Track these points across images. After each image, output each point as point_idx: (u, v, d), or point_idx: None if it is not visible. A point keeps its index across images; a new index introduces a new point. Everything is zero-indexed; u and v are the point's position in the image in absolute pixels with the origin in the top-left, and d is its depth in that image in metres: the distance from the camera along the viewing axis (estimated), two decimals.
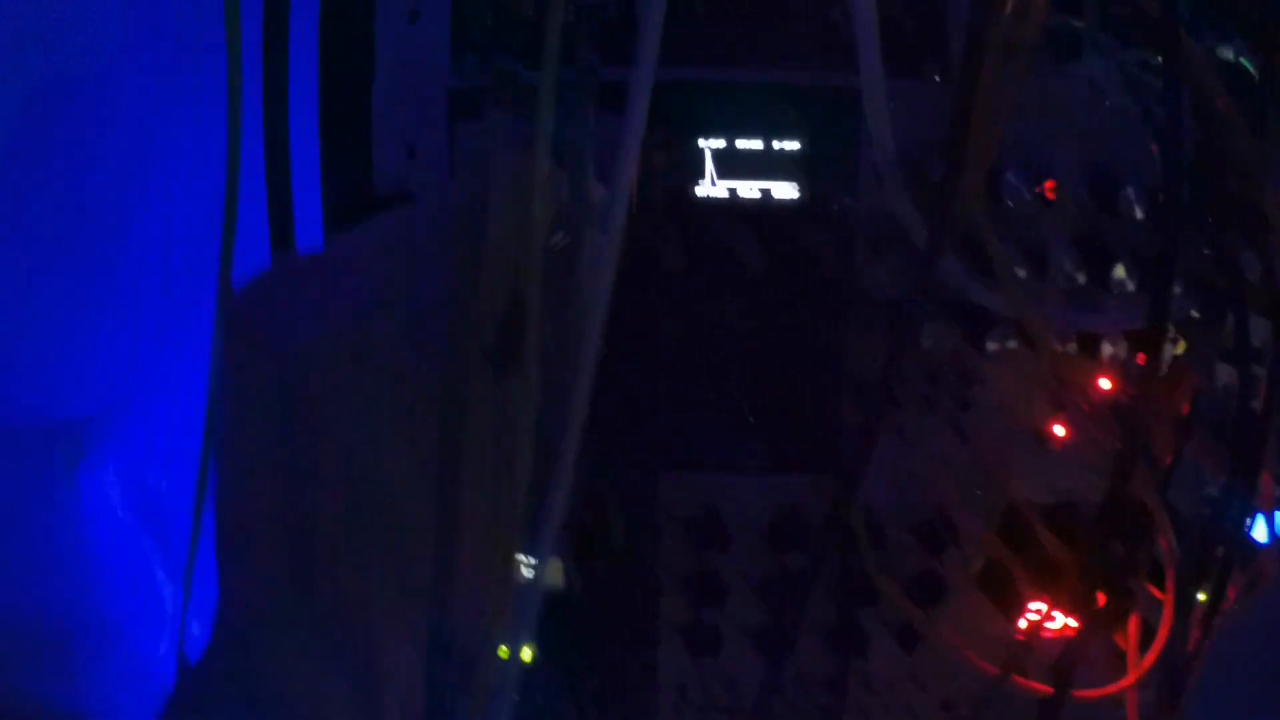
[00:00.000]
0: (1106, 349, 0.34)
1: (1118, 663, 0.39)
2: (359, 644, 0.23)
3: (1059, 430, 0.36)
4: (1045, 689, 0.37)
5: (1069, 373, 0.33)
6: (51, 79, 0.42)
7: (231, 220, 0.32)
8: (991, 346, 0.32)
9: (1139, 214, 0.33)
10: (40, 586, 0.47)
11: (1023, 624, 0.40)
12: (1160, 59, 0.30)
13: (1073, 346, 0.34)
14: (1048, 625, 0.40)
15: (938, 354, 0.33)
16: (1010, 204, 0.30)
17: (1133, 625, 0.39)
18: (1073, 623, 0.39)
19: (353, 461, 0.22)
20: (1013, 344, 0.33)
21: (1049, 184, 0.32)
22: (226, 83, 0.31)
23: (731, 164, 0.32)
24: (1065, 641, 0.37)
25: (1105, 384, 0.37)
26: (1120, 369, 0.37)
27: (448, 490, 0.22)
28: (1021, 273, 0.31)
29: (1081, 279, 0.32)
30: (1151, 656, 0.35)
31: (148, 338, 0.51)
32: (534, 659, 0.36)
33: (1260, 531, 0.43)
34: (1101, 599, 0.38)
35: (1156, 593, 0.39)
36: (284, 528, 0.23)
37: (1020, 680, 0.35)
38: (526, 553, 0.26)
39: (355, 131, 0.35)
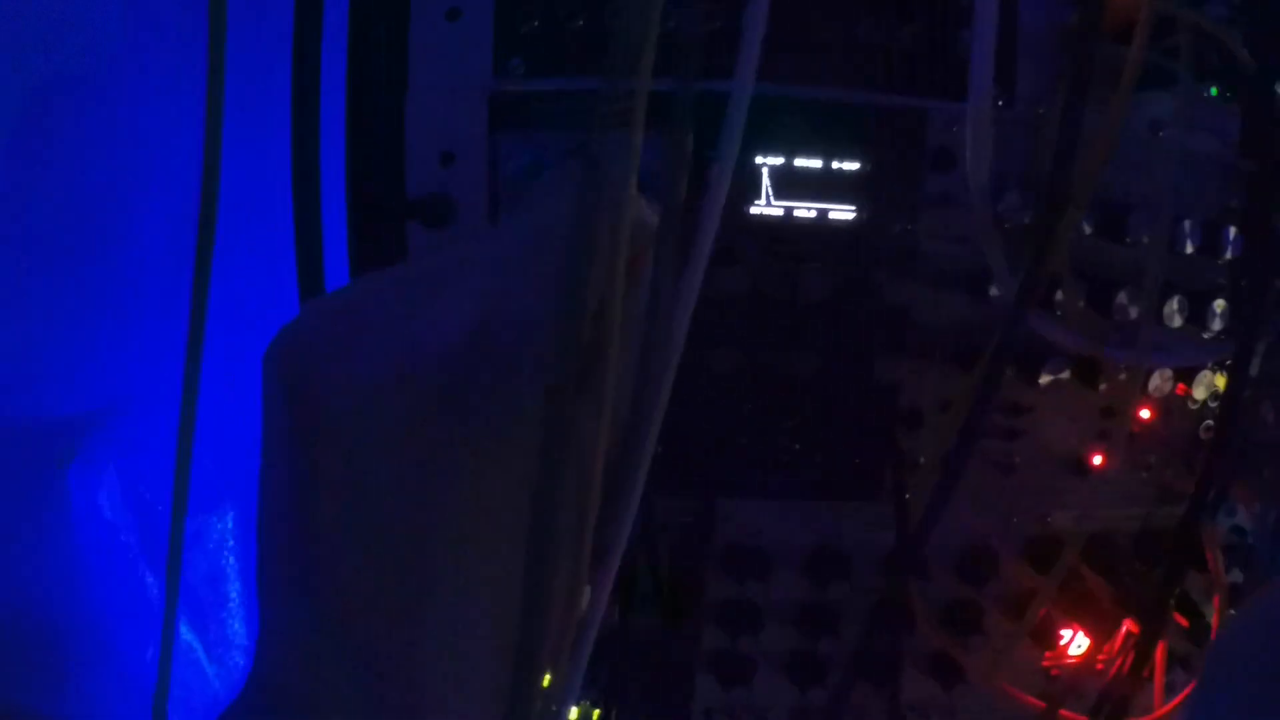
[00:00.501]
0: (1153, 380, 0.34)
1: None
2: (405, 703, 0.21)
3: (1098, 460, 0.36)
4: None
5: (1117, 404, 0.33)
6: (52, 79, 0.41)
7: (210, 221, 0.30)
8: (1044, 380, 0.32)
9: (1190, 248, 0.33)
10: (29, 586, 0.45)
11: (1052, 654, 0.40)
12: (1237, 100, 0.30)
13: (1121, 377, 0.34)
14: (1071, 654, 0.40)
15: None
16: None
17: (1160, 653, 0.39)
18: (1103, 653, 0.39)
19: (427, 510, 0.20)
20: (1065, 375, 0.32)
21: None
22: (206, 92, 0.29)
23: (789, 183, 0.31)
24: (1102, 672, 0.37)
25: (1145, 414, 0.37)
26: (1160, 400, 0.37)
27: (531, 537, 0.20)
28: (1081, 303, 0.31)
29: (1135, 313, 0.31)
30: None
31: (145, 339, 0.48)
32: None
33: None
34: (1134, 626, 0.38)
35: (1183, 620, 0.39)
36: (339, 572, 0.21)
37: (1066, 714, 0.35)
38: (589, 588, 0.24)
39: (387, 134, 0.33)
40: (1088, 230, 0.29)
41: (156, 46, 0.41)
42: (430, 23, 0.33)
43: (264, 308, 0.43)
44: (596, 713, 0.33)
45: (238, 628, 0.54)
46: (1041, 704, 0.36)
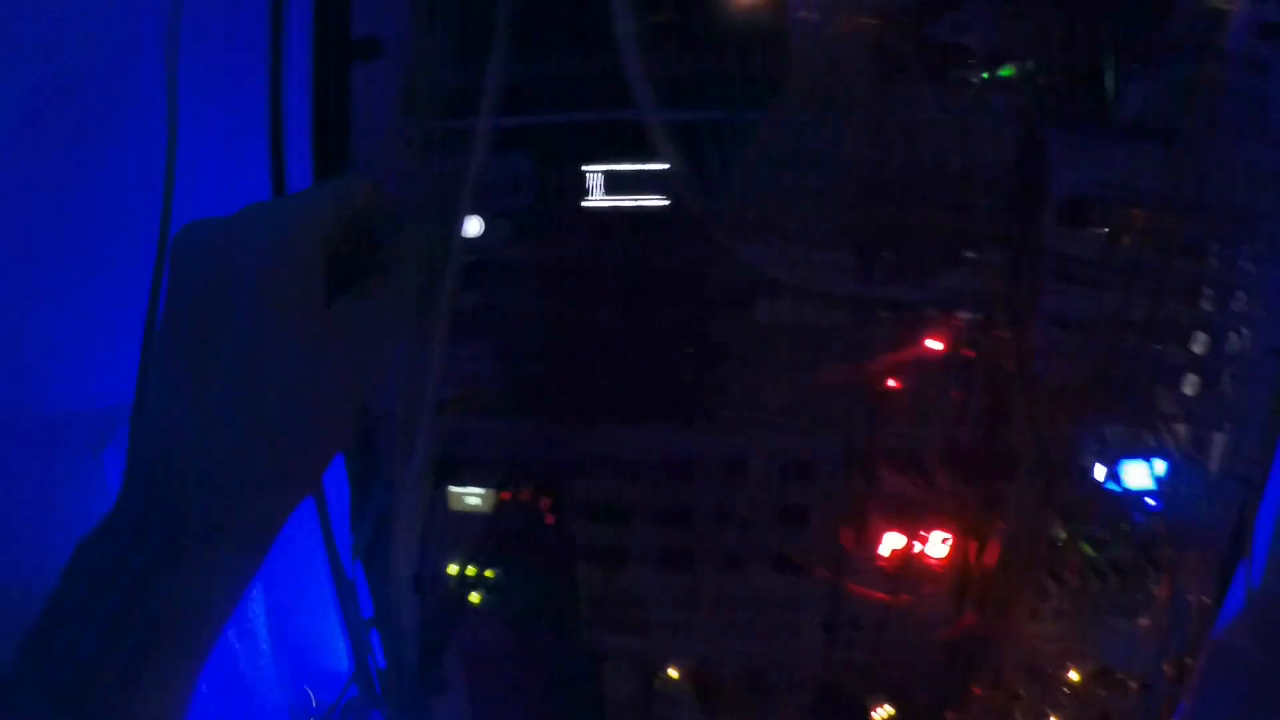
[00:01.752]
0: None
1: None
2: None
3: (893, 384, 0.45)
4: (883, 595, 0.45)
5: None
6: (57, 81, 0.47)
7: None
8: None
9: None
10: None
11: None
12: None
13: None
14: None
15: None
16: None
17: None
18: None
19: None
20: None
21: None
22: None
23: (614, 183, 0.41)
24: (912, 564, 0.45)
25: (935, 344, 0.46)
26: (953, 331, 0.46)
27: None
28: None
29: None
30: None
31: None
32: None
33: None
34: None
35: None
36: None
37: (859, 589, 0.44)
38: None
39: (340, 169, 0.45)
40: None
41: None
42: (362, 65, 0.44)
43: None
44: (490, 572, 0.44)
45: (256, 610, 0.62)
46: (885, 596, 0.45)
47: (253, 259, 0.29)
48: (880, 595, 0.44)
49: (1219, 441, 0.51)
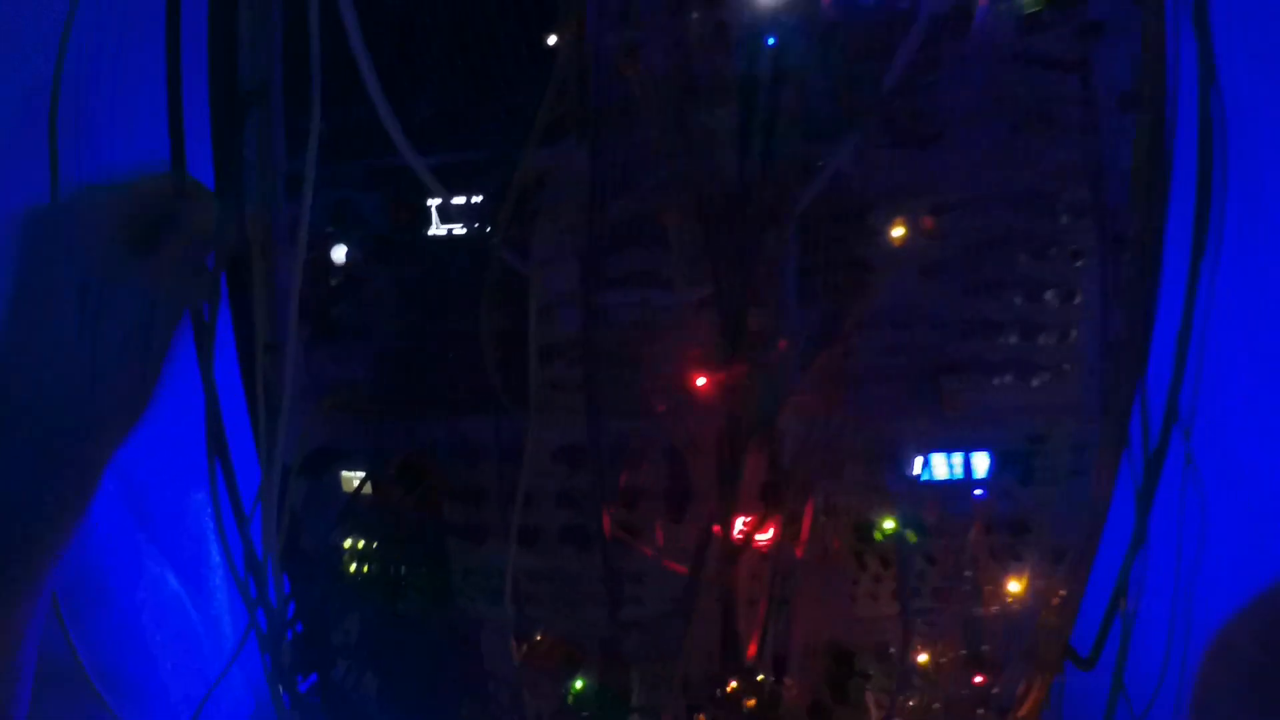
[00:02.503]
0: None
1: None
2: None
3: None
4: (682, 569, 0.50)
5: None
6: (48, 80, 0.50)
7: None
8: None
9: None
10: None
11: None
12: None
13: None
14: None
15: None
16: None
17: None
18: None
19: None
20: None
21: None
22: None
23: (449, 215, 0.50)
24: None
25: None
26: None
27: None
28: None
29: None
30: None
31: None
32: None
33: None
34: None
35: None
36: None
37: (670, 564, 0.49)
38: None
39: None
40: None
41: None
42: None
43: None
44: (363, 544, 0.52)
45: (217, 581, 0.72)
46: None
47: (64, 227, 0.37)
48: (681, 569, 0.49)
49: (1054, 433, 0.54)
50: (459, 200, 0.49)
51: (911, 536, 0.53)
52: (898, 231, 0.49)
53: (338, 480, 0.54)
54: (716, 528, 0.51)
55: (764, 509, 0.50)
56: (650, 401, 0.49)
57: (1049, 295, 0.52)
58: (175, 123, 0.49)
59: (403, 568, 0.54)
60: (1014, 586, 0.56)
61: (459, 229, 0.49)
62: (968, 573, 0.55)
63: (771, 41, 0.46)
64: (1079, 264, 0.52)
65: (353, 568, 0.54)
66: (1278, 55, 0.73)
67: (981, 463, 0.53)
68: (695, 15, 0.46)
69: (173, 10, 0.45)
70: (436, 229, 0.50)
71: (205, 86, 0.50)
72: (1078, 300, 0.52)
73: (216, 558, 0.71)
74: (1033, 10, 0.50)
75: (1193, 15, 0.51)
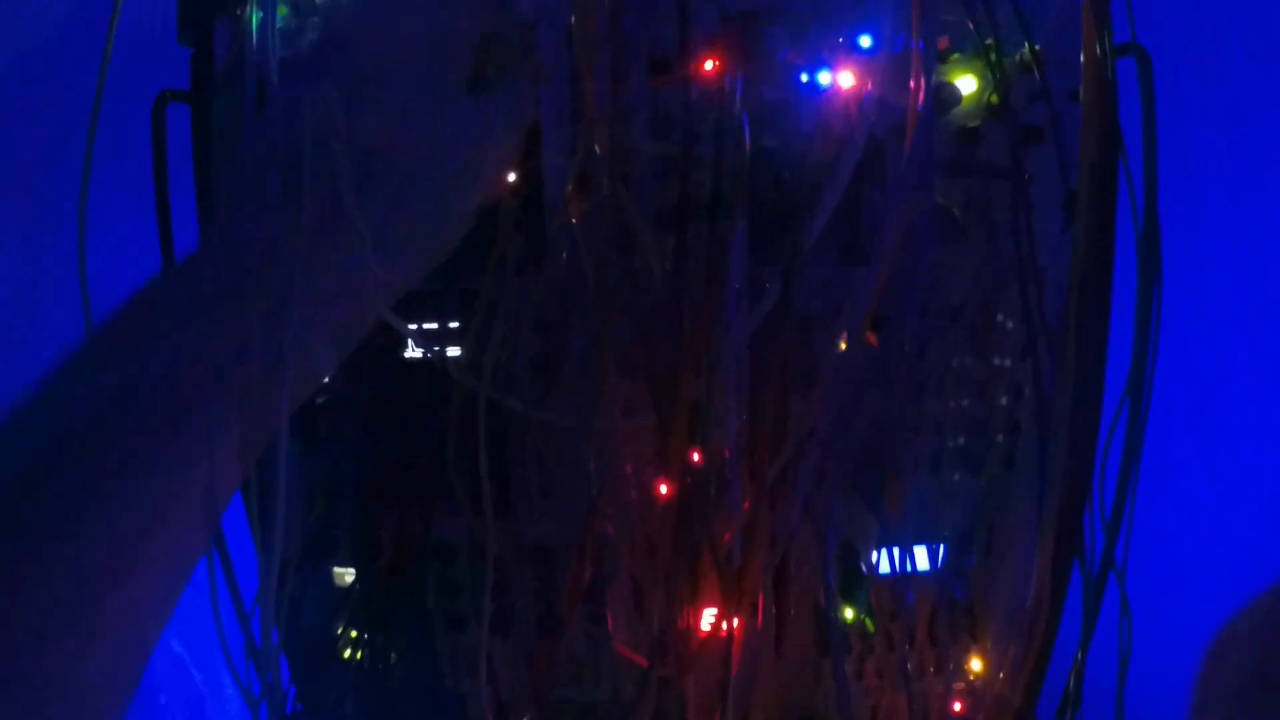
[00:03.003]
0: None
1: None
2: None
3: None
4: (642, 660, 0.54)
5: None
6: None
7: None
8: None
9: None
10: None
11: None
12: None
13: None
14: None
15: None
16: None
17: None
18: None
19: None
20: None
21: None
22: None
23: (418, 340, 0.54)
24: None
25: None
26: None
27: None
28: None
29: None
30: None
31: None
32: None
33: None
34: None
35: None
36: None
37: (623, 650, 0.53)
38: None
39: None
40: None
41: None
42: None
43: None
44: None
45: (218, 642, 0.75)
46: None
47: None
48: (642, 660, 0.53)
49: (1003, 520, 0.56)
50: (423, 326, 0.53)
51: (869, 624, 0.56)
52: (841, 344, 0.51)
53: (330, 574, 0.58)
54: (679, 620, 0.54)
55: (721, 602, 0.53)
56: (604, 505, 0.52)
57: (995, 394, 0.54)
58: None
59: (392, 654, 0.58)
60: (975, 664, 0.59)
61: (419, 353, 0.53)
62: (925, 653, 0.57)
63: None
64: (1023, 361, 0.54)
65: (346, 654, 0.58)
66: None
67: (932, 552, 0.56)
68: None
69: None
70: (411, 352, 0.54)
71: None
72: (1024, 396, 0.54)
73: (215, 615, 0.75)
74: (972, 125, 0.52)
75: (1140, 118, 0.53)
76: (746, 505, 0.50)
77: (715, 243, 0.47)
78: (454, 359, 0.52)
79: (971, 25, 0.50)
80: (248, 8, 0.54)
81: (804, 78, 0.50)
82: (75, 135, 0.55)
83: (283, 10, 0.55)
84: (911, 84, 0.47)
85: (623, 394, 0.50)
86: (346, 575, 0.58)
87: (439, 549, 0.56)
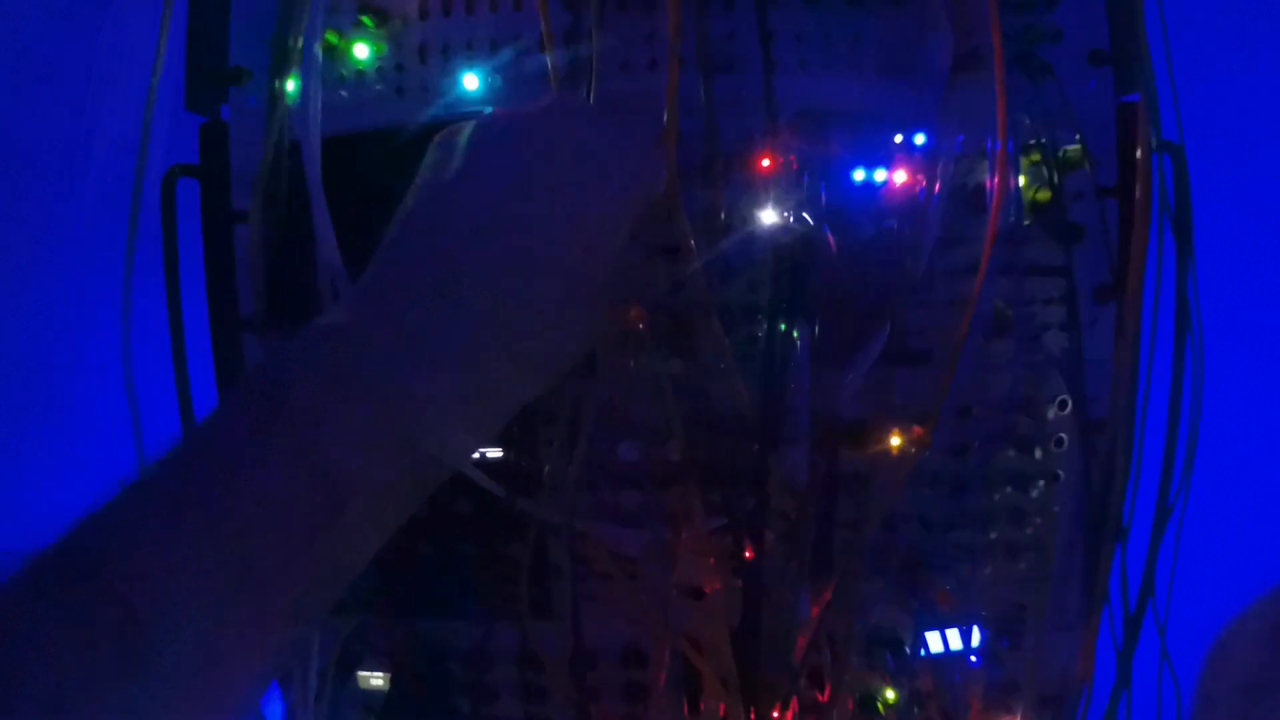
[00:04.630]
0: None
1: None
2: None
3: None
4: None
5: None
6: None
7: None
8: None
9: None
10: None
11: None
12: None
13: None
14: None
15: None
16: None
17: None
18: None
19: None
20: None
21: None
22: None
23: None
24: None
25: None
26: None
27: None
28: None
29: None
30: None
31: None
32: None
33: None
34: None
35: None
36: None
37: None
38: None
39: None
40: None
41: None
42: None
43: None
44: None
45: None
46: None
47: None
48: None
49: (1037, 602, 0.57)
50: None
51: (914, 707, 0.56)
52: (894, 441, 0.51)
53: (357, 680, 0.56)
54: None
55: (773, 697, 0.53)
56: (656, 608, 0.51)
57: (1033, 483, 0.55)
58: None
59: None
60: None
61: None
62: None
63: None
64: (1061, 449, 0.55)
65: None
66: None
67: (972, 635, 0.56)
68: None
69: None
70: None
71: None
72: (1060, 482, 0.55)
73: None
74: (1026, 222, 0.52)
75: (1173, 216, 0.54)
76: (815, 613, 0.49)
77: (779, 350, 0.46)
78: (511, 492, 0.49)
79: (1029, 121, 0.50)
80: (278, 78, 0.50)
81: (859, 175, 0.49)
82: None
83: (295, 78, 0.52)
84: (988, 183, 0.47)
85: (679, 502, 0.48)
86: (374, 679, 0.56)
87: (475, 654, 0.54)
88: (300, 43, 0.50)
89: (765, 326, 0.44)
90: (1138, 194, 0.50)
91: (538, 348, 0.35)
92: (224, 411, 0.32)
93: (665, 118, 0.42)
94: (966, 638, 0.56)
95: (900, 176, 0.49)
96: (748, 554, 0.46)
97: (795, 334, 0.44)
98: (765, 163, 0.48)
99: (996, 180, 0.47)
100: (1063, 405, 0.54)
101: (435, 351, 0.32)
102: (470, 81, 0.53)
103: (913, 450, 0.50)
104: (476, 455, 0.49)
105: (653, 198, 0.39)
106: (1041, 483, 0.55)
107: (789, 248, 0.44)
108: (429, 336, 0.32)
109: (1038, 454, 0.54)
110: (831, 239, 0.45)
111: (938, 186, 0.46)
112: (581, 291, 0.36)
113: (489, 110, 0.50)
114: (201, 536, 0.27)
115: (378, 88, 0.53)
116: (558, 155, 0.36)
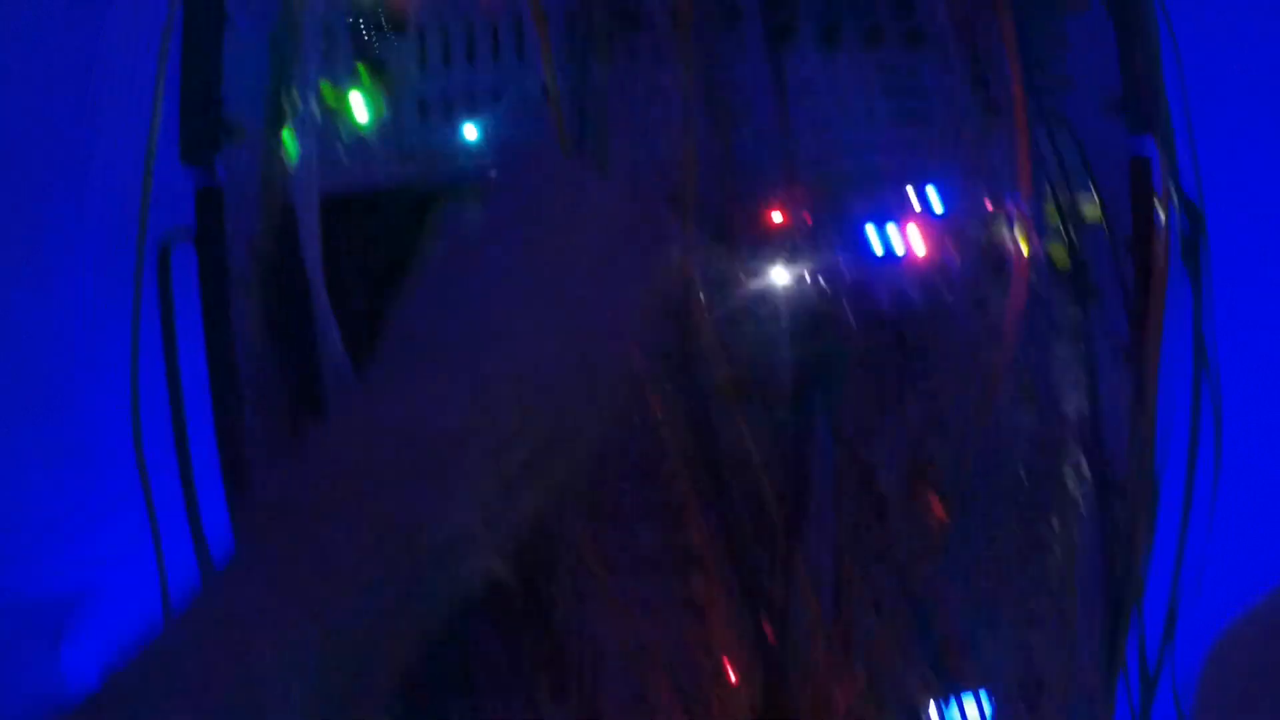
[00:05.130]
0: None
1: None
2: None
3: None
4: None
5: None
6: None
7: None
8: None
9: None
10: None
11: None
12: None
13: None
14: None
15: None
16: None
17: None
18: None
19: None
20: None
21: None
22: None
23: None
24: None
25: None
26: None
27: None
28: None
29: None
30: None
31: (114, 528, 0.55)
32: None
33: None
34: None
35: None
36: None
37: None
38: None
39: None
40: None
41: None
42: None
43: None
44: None
45: None
46: None
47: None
48: None
49: (1057, 666, 0.56)
50: None
51: None
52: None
53: None
54: None
55: None
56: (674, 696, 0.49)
57: (1052, 552, 0.53)
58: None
59: None
60: None
61: None
62: None
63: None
64: (1079, 511, 0.54)
65: None
66: None
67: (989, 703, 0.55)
68: None
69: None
70: None
71: None
72: (1078, 549, 0.54)
73: None
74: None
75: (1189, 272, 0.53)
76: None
77: (802, 431, 0.44)
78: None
79: (1049, 188, 0.49)
80: (273, 134, 0.48)
81: (878, 245, 0.48)
82: None
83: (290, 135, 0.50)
84: (1012, 246, 0.45)
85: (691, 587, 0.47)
86: None
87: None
88: (295, 95, 0.48)
89: (789, 411, 0.42)
90: (1152, 276, 0.49)
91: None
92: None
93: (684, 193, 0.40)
94: (981, 707, 0.55)
95: (919, 247, 0.48)
96: (770, 639, 0.45)
97: (817, 417, 0.42)
98: (777, 217, 0.46)
99: (1019, 245, 0.46)
100: (1079, 471, 0.53)
101: None
102: (470, 132, 0.51)
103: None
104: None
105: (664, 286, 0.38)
106: (1057, 553, 0.54)
107: (810, 324, 0.43)
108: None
109: (1055, 523, 0.53)
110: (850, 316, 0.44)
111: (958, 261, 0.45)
112: (598, 388, 0.34)
113: (493, 174, 0.47)
114: None
115: (376, 143, 0.50)
116: (567, 257, 0.34)
